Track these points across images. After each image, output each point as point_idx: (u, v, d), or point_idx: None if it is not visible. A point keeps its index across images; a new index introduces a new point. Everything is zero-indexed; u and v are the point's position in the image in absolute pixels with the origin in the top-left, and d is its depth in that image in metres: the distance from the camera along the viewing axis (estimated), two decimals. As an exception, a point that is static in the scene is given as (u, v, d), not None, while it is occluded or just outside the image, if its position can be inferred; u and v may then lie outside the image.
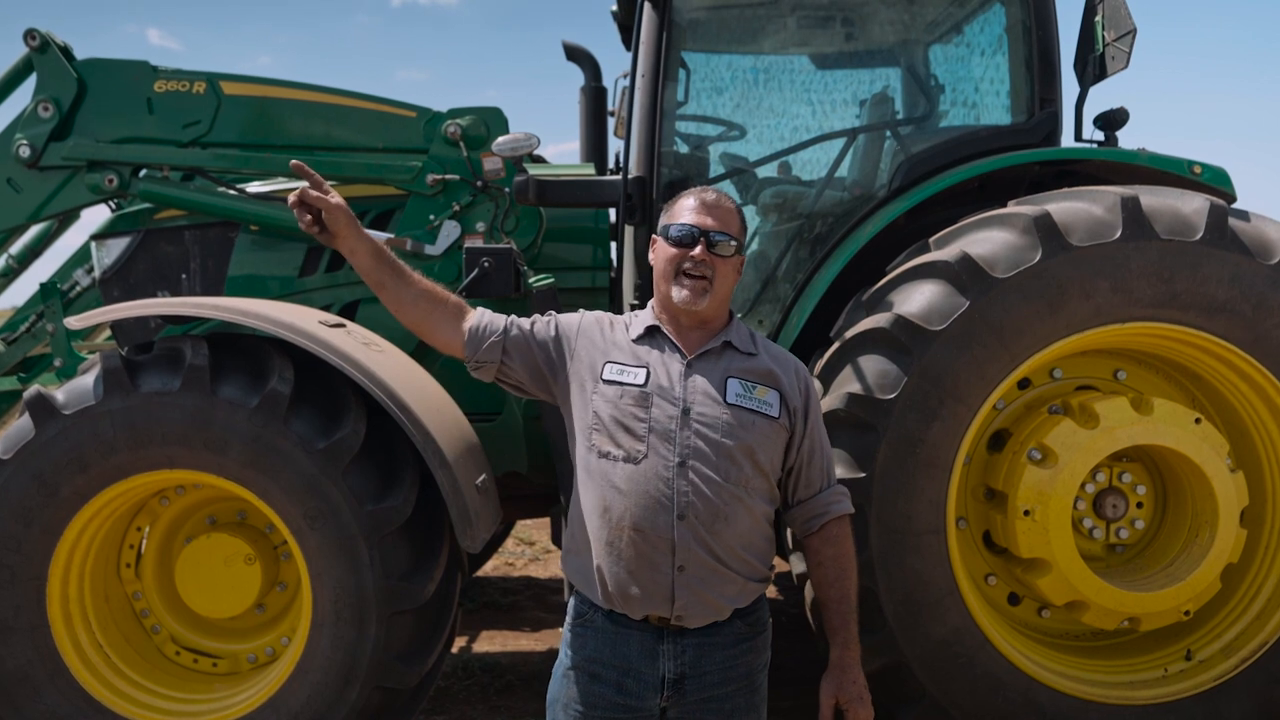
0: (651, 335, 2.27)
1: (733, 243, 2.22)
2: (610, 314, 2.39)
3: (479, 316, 2.36)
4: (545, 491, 4.18)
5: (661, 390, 2.17)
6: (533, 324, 2.36)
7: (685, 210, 2.24)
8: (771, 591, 5.89)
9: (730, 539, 2.14)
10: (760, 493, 2.20)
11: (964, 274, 3.21)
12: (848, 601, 2.32)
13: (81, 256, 5.07)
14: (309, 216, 2.26)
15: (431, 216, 4.04)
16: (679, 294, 2.20)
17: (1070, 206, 3.30)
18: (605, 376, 2.20)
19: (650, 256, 2.30)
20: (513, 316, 2.38)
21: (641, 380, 2.18)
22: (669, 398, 2.16)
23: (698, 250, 2.18)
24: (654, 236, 2.30)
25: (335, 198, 2.27)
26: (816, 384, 2.36)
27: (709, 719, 2.19)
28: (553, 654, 2.37)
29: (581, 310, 2.40)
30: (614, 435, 2.16)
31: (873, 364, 3.23)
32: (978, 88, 4.14)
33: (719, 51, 4.34)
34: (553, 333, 2.33)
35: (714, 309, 2.24)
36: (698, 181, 4.13)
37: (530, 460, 4.06)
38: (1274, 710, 3.39)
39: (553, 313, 2.40)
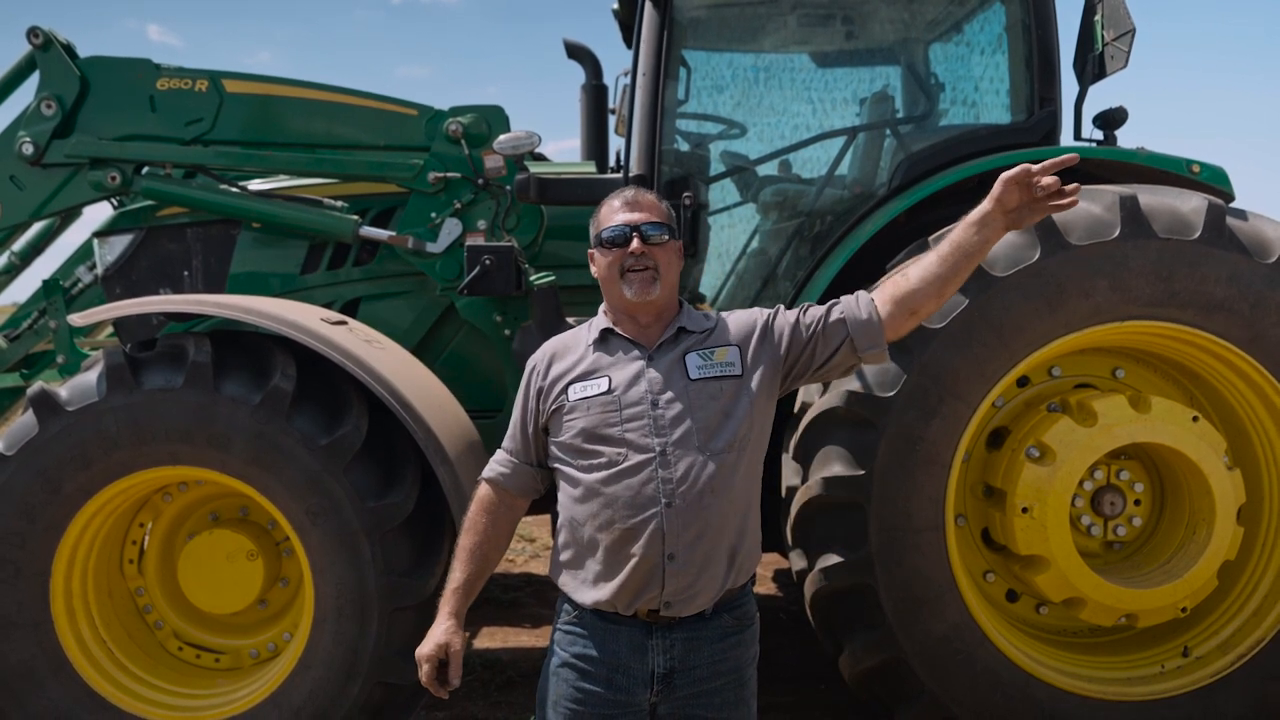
0: (606, 340, 2.29)
1: (665, 233, 2.25)
2: (554, 341, 2.38)
3: (503, 478, 2.37)
4: (545, 489, 4.19)
5: (627, 390, 2.20)
6: (519, 420, 2.36)
7: (612, 213, 2.28)
8: (770, 589, 5.91)
9: (721, 512, 2.16)
10: (744, 456, 2.21)
11: (963, 272, 3.22)
12: (944, 239, 2.23)
13: (84, 253, 5.09)
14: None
15: (433, 214, 4.05)
16: (630, 291, 2.23)
17: (1069, 205, 3.31)
18: (572, 398, 2.24)
19: (592, 270, 2.33)
20: (501, 451, 2.39)
21: (605, 387, 2.21)
22: (636, 396, 2.19)
23: (634, 245, 2.22)
24: (590, 251, 2.32)
25: (450, 657, 2.28)
26: (772, 309, 2.35)
27: (699, 713, 2.20)
28: (553, 650, 2.38)
29: (530, 360, 2.39)
30: (593, 446, 2.19)
31: (872, 361, 3.25)
32: (977, 86, 4.15)
33: (720, 50, 4.35)
34: (529, 405, 2.33)
35: (666, 296, 2.27)
36: (698, 180, 4.14)
37: (531, 457, 4.08)
38: (1270, 706, 3.41)
39: (517, 395, 2.39)
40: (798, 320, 2.29)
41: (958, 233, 2.22)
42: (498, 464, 2.39)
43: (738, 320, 2.32)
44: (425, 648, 2.27)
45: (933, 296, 2.25)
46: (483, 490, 2.39)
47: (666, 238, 2.25)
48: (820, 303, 2.35)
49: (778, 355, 2.27)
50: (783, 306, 2.36)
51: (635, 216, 2.24)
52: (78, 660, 3.30)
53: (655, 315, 2.27)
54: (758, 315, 2.33)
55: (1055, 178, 2.16)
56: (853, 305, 2.29)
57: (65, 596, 3.29)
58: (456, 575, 2.32)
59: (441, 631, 2.28)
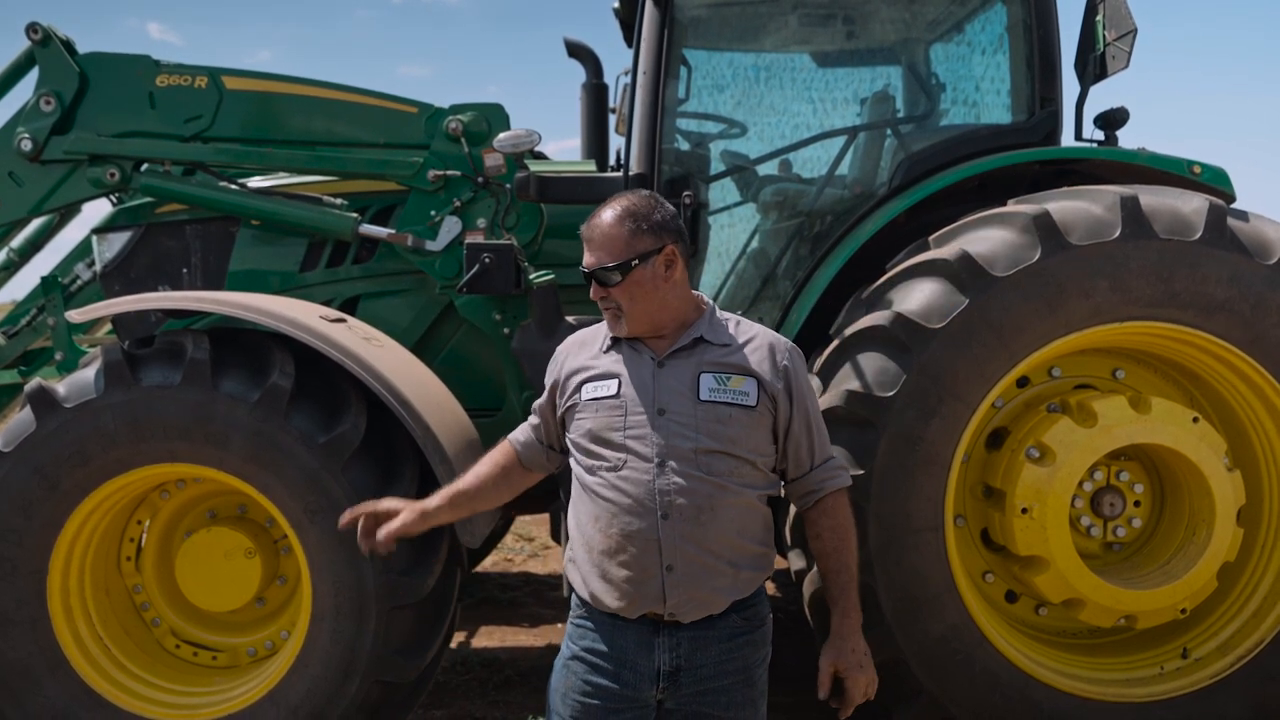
0: (618, 343, 2.29)
1: (615, 274, 2.19)
2: (581, 332, 2.41)
3: (519, 446, 2.47)
4: (545, 487, 4.18)
5: (634, 396, 2.19)
6: (539, 404, 2.44)
7: (583, 246, 2.28)
8: (770, 589, 5.91)
9: (719, 530, 2.16)
10: (748, 480, 2.20)
11: (963, 272, 3.22)
12: (847, 571, 2.35)
13: (83, 250, 5.07)
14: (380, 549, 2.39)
15: (433, 212, 4.04)
16: (607, 324, 2.29)
17: (1070, 205, 3.30)
18: (584, 397, 2.26)
19: None
20: (530, 416, 2.48)
21: (614, 391, 2.22)
22: (642, 402, 2.19)
23: (592, 292, 2.25)
24: None
25: (387, 520, 2.37)
26: (800, 361, 2.33)
27: (705, 710, 2.21)
28: (551, 649, 2.39)
29: (558, 348, 2.42)
30: (597, 449, 2.21)
31: (872, 361, 3.24)
32: (978, 86, 4.14)
33: (720, 49, 4.34)
34: (551, 393, 2.39)
35: (641, 327, 2.24)
36: (699, 179, 4.14)
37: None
38: (1270, 708, 3.41)
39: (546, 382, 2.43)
40: (801, 428, 2.29)
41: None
42: (520, 431, 2.48)
43: (761, 352, 2.25)
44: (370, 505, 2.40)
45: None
46: (501, 445, 2.48)
47: (618, 278, 2.18)
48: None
49: (780, 418, 2.26)
50: (809, 396, 2.31)
51: (589, 260, 2.23)
52: (75, 658, 3.29)
53: (652, 335, 2.27)
54: (779, 358, 2.26)
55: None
56: (821, 477, 2.34)
57: (62, 594, 3.29)
58: (430, 500, 2.42)
59: (397, 502, 2.41)
